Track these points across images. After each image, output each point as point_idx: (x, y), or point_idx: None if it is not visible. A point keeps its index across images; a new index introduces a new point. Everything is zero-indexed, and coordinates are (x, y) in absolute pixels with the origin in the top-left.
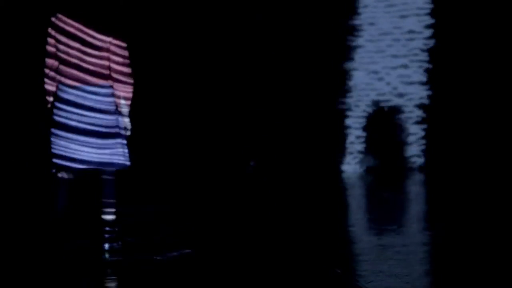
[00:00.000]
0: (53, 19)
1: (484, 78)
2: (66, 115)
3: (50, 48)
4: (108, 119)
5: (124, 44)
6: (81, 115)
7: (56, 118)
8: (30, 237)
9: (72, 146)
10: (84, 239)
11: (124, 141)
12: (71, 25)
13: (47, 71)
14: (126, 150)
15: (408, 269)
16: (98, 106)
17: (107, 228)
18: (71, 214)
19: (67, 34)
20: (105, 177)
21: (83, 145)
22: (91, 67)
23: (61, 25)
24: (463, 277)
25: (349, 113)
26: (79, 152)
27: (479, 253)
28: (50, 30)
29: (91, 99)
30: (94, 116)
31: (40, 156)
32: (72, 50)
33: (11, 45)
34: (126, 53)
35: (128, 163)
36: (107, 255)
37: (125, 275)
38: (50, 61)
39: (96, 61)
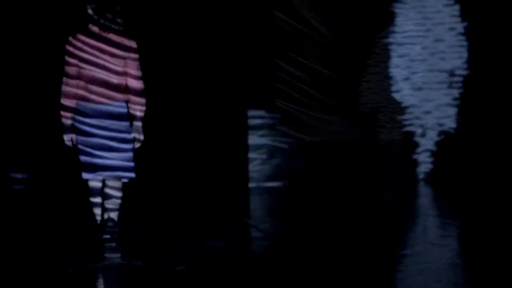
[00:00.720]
0: (71, 39)
1: None
2: (85, 129)
3: (72, 69)
4: (124, 132)
5: (138, 63)
6: (99, 129)
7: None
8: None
9: (94, 157)
10: (85, 243)
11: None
12: (91, 46)
13: (67, 88)
14: (133, 163)
15: (408, 279)
16: (114, 121)
17: (107, 236)
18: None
19: (88, 54)
20: (110, 185)
21: (100, 156)
22: (110, 85)
23: (81, 45)
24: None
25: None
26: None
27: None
28: (69, 49)
29: (108, 114)
30: (110, 130)
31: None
32: (93, 70)
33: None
34: (140, 72)
35: (133, 175)
36: (106, 258)
37: (123, 278)
38: (72, 81)
39: (114, 79)
